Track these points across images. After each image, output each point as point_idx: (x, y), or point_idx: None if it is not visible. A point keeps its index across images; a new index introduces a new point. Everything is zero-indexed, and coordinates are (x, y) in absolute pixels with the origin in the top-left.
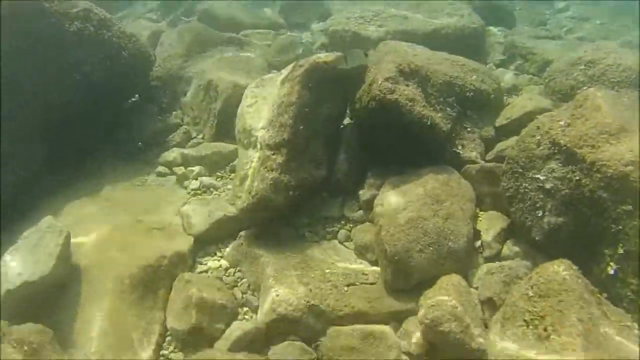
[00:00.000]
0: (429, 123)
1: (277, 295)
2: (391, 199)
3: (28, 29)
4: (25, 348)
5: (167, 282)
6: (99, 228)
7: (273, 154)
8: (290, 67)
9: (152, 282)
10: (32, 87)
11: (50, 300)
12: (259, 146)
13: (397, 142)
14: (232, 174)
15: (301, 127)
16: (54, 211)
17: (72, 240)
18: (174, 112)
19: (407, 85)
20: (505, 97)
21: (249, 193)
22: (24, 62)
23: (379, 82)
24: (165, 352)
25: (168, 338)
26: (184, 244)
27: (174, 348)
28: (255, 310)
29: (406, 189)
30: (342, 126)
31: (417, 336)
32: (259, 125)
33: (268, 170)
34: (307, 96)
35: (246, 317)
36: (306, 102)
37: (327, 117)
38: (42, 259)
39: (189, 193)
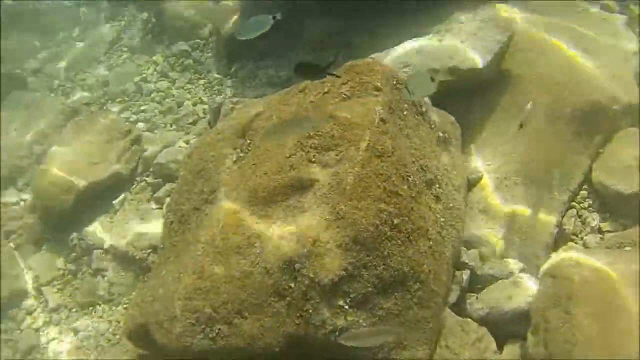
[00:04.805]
0: None
1: None
2: None
3: None
4: (439, 134)
5: (607, 130)
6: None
7: None
8: None
9: (592, 123)
10: None
11: (468, 96)
12: None
13: None
14: None
15: None
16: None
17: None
18: None
19: None
20: None
21: None
22: None
23: None
24: (575, 204)
25: (583, 192)
26: (634, 96)
27: (590, 206)
28: None
29: None
30: None
31: None
32: None
33: None
34: None
35: None
36: None
37: None
38: (478, 50)
39: None
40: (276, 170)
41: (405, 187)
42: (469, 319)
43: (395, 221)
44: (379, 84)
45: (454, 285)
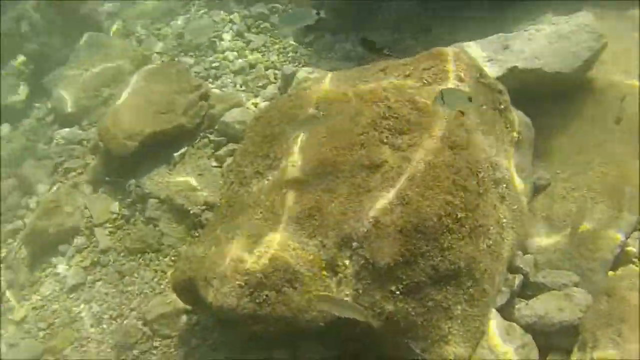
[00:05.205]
0: None
1: None
2: None
3: None
4: (513, 134)
5: None
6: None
7: None
8: None
9: None
10: None
11: (549, 100)
12: None
13: None
14: None
15: None
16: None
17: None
18: None
19: None
20: None
21: None
22: None
23: None
24: None
25: None
26: None
27: None
28: None
29: None
30: None
31: None
32: None
33: None
34: None
35: None
36: None
37: None
38: (566, 54)
39: None
40: (346, 145)
41: (474, 182)
42: (515, 324)
43: (459, 215)
44: (462, 75)
45: (504, 288)
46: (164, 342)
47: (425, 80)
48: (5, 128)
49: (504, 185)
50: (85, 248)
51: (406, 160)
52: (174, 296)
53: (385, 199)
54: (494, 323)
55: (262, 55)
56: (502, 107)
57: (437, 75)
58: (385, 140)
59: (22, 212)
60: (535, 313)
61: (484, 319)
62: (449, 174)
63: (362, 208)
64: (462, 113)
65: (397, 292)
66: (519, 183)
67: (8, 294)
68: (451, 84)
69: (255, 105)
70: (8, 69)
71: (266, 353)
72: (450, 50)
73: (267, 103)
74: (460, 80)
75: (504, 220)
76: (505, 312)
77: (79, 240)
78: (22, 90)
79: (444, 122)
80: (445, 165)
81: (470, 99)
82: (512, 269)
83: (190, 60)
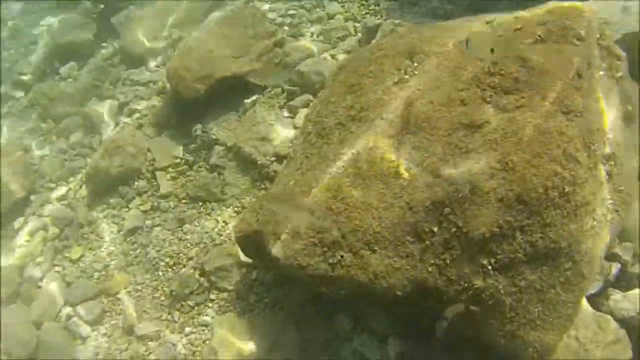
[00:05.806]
0: None
1: None
2: None
3: None
4: (627, 107)
5: None
6: None
7: None
8: None
9: None
10: None
11: None
12: None
13: None
14: None
15: None
16: None
17: None
18: None
19: None
20: None
21: None
22: None
23: None
24: None
25: None
26: None
27: None
28: None
29: None
30: None
31: None
32: None
33: None
34: None
35: None
36: None
37: None
38: None
39: None
40: (444, 101)
41: (585, 154)
42: (609, 317)
43: (567, 189)
44: (582, 33)
45: (598, 276)
46: (220, 295)
47: (539, 36)
48: (72, 67)
49: (613, 163)
50: (146, 192)
51: (512, 122)
52: (234, 249)
53: (486, 163)
54: (584, 312)
55: (341, 6)
56: (619, 75)
57: (552, 32)
58: (488, 99)
59: (85, 151)
60: (634, 307)
61: (576, 306)
62: (560, 142)
63: (458, 170)
64: (580, 75)
65: (489, 267)
66: (627, 162)
67: (66, 231)
68: (569, 42)
69: (333, 56)
70: (78, 6)
71: (326, 317)
72: (571, 5)
73: (344, 55)
74: (580, 39)
75: (610, 202)
76: (596, 302)
77: (139, 183)
78: (91, 29)
79: (559, 84)
80: (557, 132)
81: (492, 50)
82: (609, 257)
83: (266, 6)
